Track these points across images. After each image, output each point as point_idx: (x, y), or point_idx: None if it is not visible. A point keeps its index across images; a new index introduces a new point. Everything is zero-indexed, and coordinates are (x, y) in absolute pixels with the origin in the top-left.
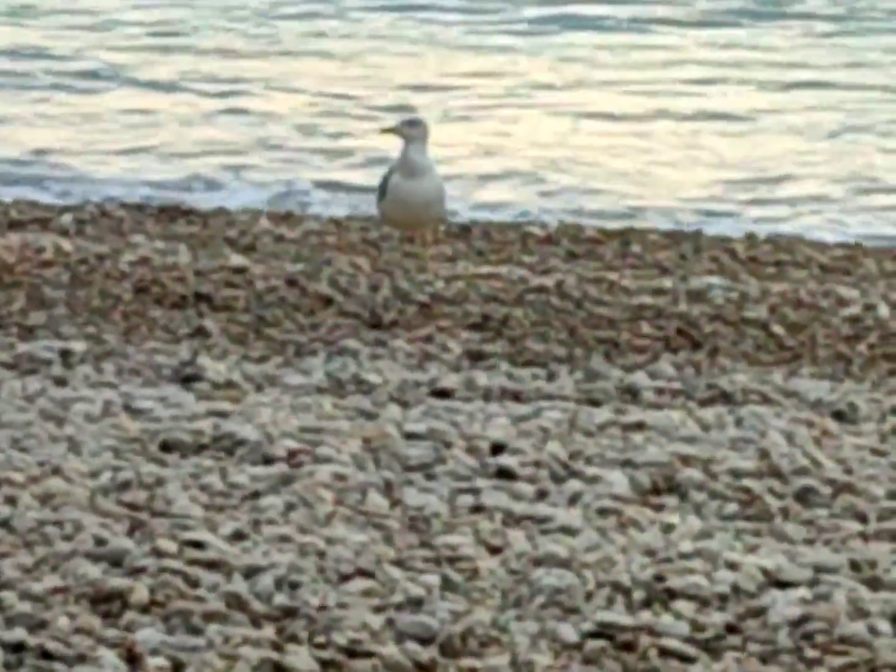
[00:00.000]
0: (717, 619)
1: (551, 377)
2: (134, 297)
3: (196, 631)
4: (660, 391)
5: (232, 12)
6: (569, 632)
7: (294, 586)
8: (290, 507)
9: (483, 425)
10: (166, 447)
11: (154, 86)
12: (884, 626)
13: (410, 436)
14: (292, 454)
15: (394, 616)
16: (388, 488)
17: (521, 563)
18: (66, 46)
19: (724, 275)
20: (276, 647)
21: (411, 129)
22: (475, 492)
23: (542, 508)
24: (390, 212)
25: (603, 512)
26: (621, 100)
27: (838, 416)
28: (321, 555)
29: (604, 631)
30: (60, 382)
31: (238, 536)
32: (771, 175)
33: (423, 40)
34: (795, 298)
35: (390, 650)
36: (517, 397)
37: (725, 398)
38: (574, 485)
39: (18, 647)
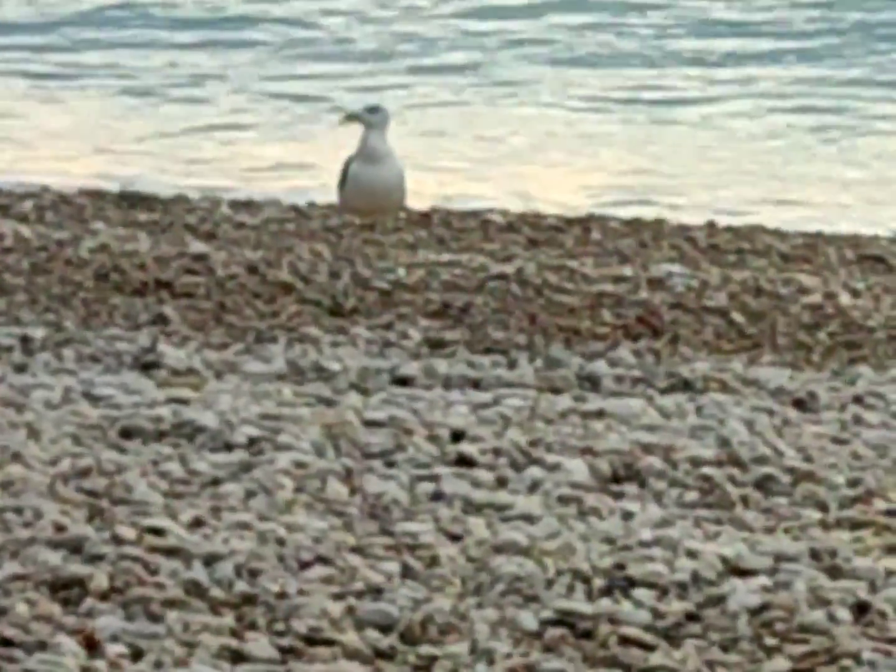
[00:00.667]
0: (676, 607)
1: (511, 365)
2: (94, 283)
3: (155, 618)
4: (620, 379)
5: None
6: (528, 619)
7: (254, 573)
8: (249, 494)
9: (443, 413)
10: (126, 434)
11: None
12: (843, 614)
13: (370, 423)
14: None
15: (353, 603)
16: (347, 475)
17: (481, 550)
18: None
19: (685, 263)
20: (236, 634)
21: (372, 116)
22: (435, 479)
23: (502, 496)
24: (351, 199)
25: (563, 500)
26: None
27: (798, 404)
28: (281, 542)
29: (563, 619)
30: (20, 369)
31: (198, 523)
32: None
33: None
34: (756, 287)
35: (350, 638)
36: (477, 385)
37: (686, 386)
38: (534, 472)
39: None
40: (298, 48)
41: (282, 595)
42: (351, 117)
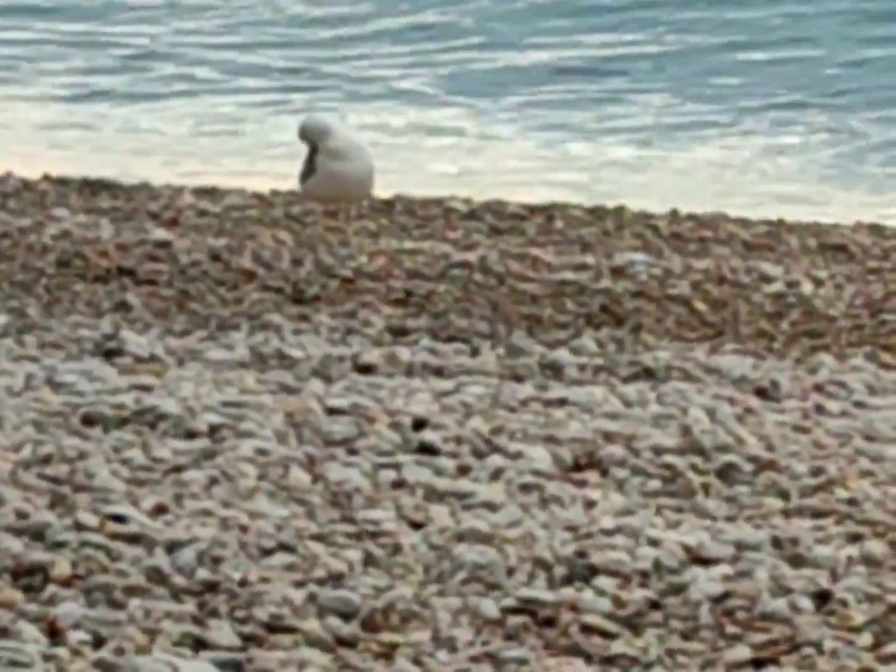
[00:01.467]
0: (638, 595)
1: (474, 353)
2: (56, 270)
3: (117, 605)
4: (582, 367)
5: None
6: (490, 607)
7: (216, 561)
8: (212, 481)
9: (405, 400)
10: (88, 421)
11: None
12: (805, 603)
13: (333, 411)
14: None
15: (315, 591)
16: (310, 463)
17: (443, 538)
18: None
19: (648, 251)
20: (198, 621)
21: (324, 129)
22: (397, 467)
23: (464, 484)
24: (320, 191)
25: (525, 488)
26: None
27: (761, 392)
28: (243, 529)
29: (525, 607)
30: None
31: (160, 511)
32: None
33: None
34: (718, 275)
35: (312, 625)
36: (440, 373)
37: (648, 375)
38: (496, 460)
39: None
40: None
41: (244, 582)
42: (306, 135)
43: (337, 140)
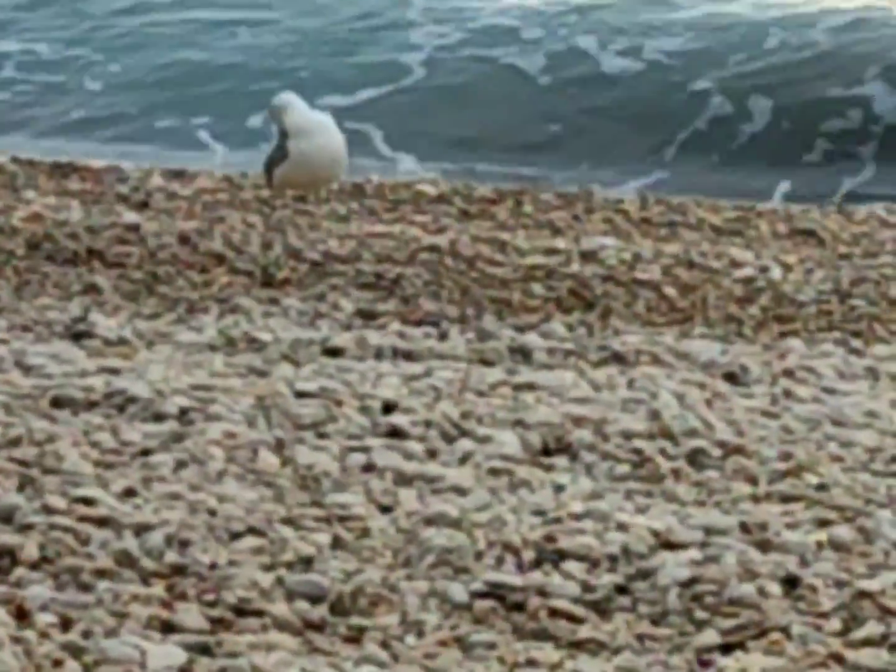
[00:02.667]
0: (606, 580)
1: (443, 337)
2: (26, 252)
3: (86, 588)
4: (551, 352)
5: None
6: (458, 591)
7: (184, 544)
8: (180, 464)
9: (374, 384)
10: (57, 403)
11: None
12: (773, 587)
13: (302, 394)
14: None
15: (284, 574)
16: (279, 446)
17: (412, 522)
18: None
19: (617, 236)
20: (166, 604)
21: (285, 107)
22: (366, 450)
23: (432, 468)
24: (294, 175)
25: (494, 472)
26: None
27: (730, 377)
28: (212, 513)
29: (493, 591)
30: None
31: (128, 494)
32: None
33: None
34: (687, 260)
35: (280, 609)
36: (409, 356)
37: (617, 359)
38: (465, 444)
39: None
40: None
41: (212, 566)
42: (274, 113)
43: (301, 119)
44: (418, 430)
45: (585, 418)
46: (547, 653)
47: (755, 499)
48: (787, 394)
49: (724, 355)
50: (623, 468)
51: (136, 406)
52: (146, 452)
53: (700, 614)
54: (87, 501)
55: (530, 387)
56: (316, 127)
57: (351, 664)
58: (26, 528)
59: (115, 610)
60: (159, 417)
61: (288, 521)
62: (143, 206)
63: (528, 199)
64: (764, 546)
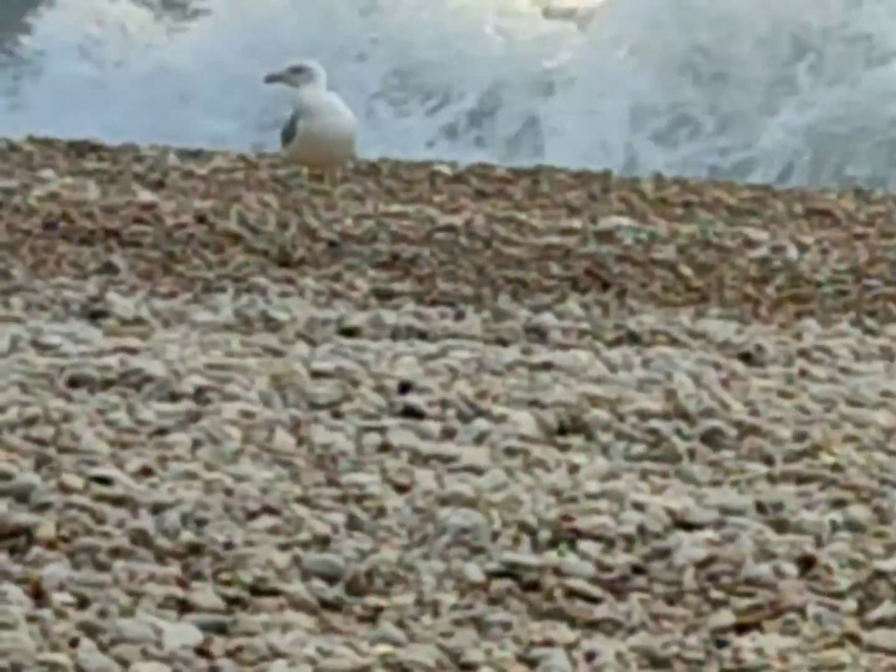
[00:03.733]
0: (622, 559)
1: (459, 316)
2: (42, 232)
3: (102, 567)
4: (567, 331)
5: None
6: (474, 571)
7: (200, 523)
8: (197, 443)
9: (390, 364)
10: (74, 383)
11: None
12: (789, 568)
13: (318, 374)
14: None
15: (300, 554)
16: (295, 426)
17: (428, 501)
18: None
19: (633, 215)
20: (182, 583)
21: (296, 76)
22: (382, 430)
23: (448, 447)
24: (302, 153)
25: (510, 451)
26: None
27: (745, 357)
28: (228, 492)
29: (509, 570)
30: None
31: (145, 473)
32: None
33: None
34: (703, 240)
35: (296, 588)
36: (425, 336)
37: (633, 339)
38: (481, 424)
39: None
40: None
41: (228, 545)
42: (272, 78)
43: (311, 98)
44: (434, 410)
45: (601, 398)
46: (562, 632)
47: (771, 479)
48: (803, 374)
49: (739, 335)
50: (639, 448)
51: (152, 385)
52: (162, 432)
53: (716, 594)
54: (104, 480)
55: (546, 366)
56: (325, 107)
57: (367, 643)
58: (43, 507)
59: (132, 589)
60: (175, 397)
61: (304, 501)
62: (159, 185)
63: (545, 179)
64: (779, 526)
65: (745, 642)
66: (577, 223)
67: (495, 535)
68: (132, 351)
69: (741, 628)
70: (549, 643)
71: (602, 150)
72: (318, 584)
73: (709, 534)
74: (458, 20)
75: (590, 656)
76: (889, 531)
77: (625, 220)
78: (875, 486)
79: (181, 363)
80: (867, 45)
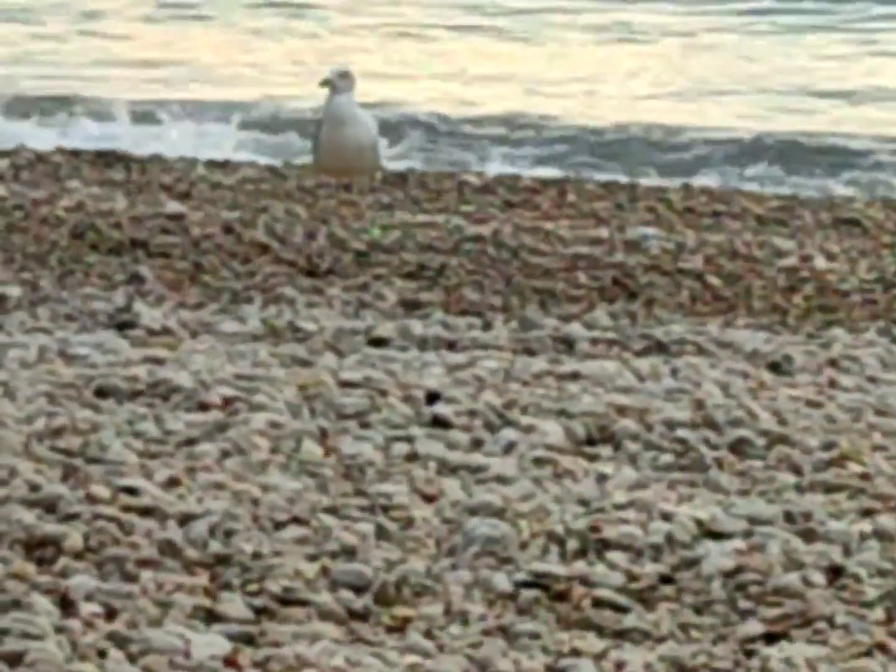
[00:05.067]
0: (650, 569)
1: (487, 326)
2: (70, 242)
3: (129, 577)
4: (595, 341)
5: None
6: (503, 581)
7: (228, 533)
8: (224, 454)
9: (418, 374)
10: (101, 393)
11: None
12: (817, 577)
13: (346, 384)
14: (227, 402)
15: (328, 564)
16: (323, 436)
17: (456, 511)
18: None
19: (660, 225)
20: (210, 594)
21: (341, 81)
22: (410, 440)
23: (476, 457)
24: (324, 161)
25: (538, 461)
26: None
27: (774, 367)
28: (255, 502)
29: (537, 580)
30: None
31: (172, 483)
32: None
33: None
34: (731, 249)
35: (324, 598)
36: (452, 346)
37: (661, 349)
38: (509, 434)
39: None
40: None
41: (256, 555)
42: (326, 83)
43: (335, 107)
44: (462, 420)
45: (629, 408)
46: (591, 642)
47: (799, 488)
48: (831, 383)
49: (767, 345)
50: (667, 458)
51: (179, 396)
52: (190, 442)
53: (744, 604)
54: (131, 491)
55: (574, 376)
56: (347, 117)
57: (395, 654)
58: (70, 517)
59: (159, 599)
60: (203, 407)
61: (332, 511)
62: (186, 195)
63: (572, 189)
64: (808, 535)
65: (774, 652)
66: (604, 233)
67: (523, 545)
68: (160, 361)
69: (770, 638)
70: (577, 653)
71: None
72: (346, 594)
73: (737, 543)
74: None
75: (618, 666)
76: None
77: (651, 230)
78: None
79: (209, 374)
80: None
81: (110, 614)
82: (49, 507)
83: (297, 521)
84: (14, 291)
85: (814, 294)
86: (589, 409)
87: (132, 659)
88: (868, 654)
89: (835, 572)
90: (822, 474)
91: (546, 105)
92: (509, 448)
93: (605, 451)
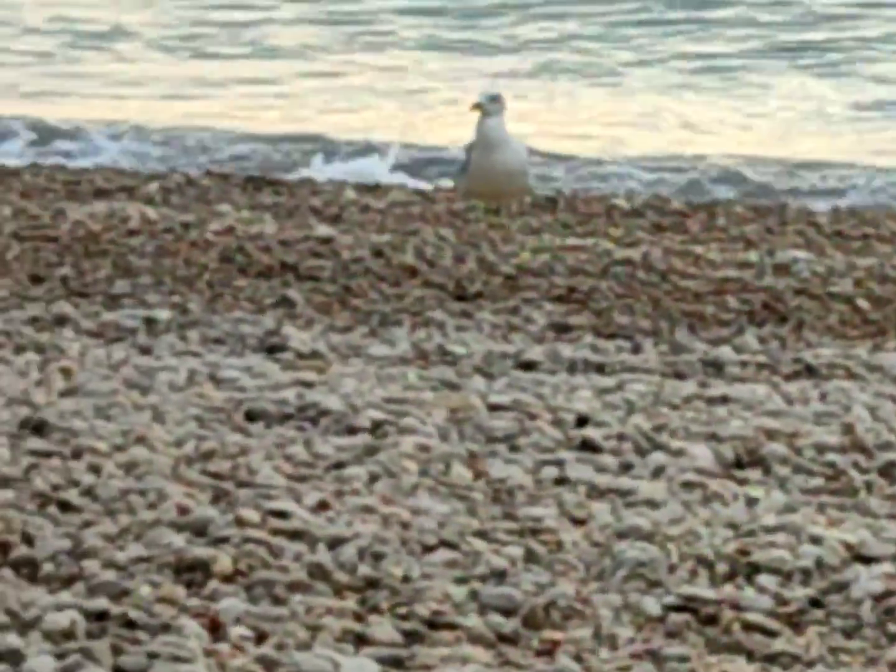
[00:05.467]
0: (800, 593)
1: (636, 350)
2: (219, 266)
3: (279, 601)
4: (744, 365)
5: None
6: (652, 605)
7: (377, 557)
8: (374, 477)
9: (567, 397)
10: (250, 417)
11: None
12: None
13: (495, 407)
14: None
15: (477, 587)
16: (472, 459)
17: (605, 535)
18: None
19: (810, 248)
20: (359, 617)
21: (491, 105)
22: (559, 464)
23: (625, 481)
24: (474, 185)
25: (687, 485)
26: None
27: None
28: (405, 525)
29: (687, 604)
30: (145, 351)
31: (322, 506)
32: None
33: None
34: (881, 273)
35: (473, 622)
36: (602, 370)
37: (810, 372)
38: (658, 458)
39: (101, 616)
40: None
41: (405, 579)
42: (478, 107)
43: (485, 131)
44: (611, 444)
45: (778, 431)
46: (740, 666)
47: None
48: None
49: None
50: (816, 481)
51: (329, 419)
52: (339, 465)
53: (894, 627)
54: (281, 514)
55: (723, 400)
56: (498, 141)
57: None
58: (220, 541)
59: (309, 623)
60: (352, 430)
61: (481, 534)
62: (336, 219)
63: (721, 212)
64: None
65: None
66: (753, 256)
67: (672, 569)
68: (309, 385)
69: None
70: None
71: None
72: (495, 617)
73: (887, 567)
74: None
75: None
76: None
77: (801, 253)
78: None
79: (358, 397)
80: None
81: (260, 638)
82: (199, 530)
83: (446, 544)
84: (164, 315)
85: None
86: (738, 433)
87: None
88: None
89: None
90: None
91: (697, 141)
92: (658, 472)
93: (755, 474)
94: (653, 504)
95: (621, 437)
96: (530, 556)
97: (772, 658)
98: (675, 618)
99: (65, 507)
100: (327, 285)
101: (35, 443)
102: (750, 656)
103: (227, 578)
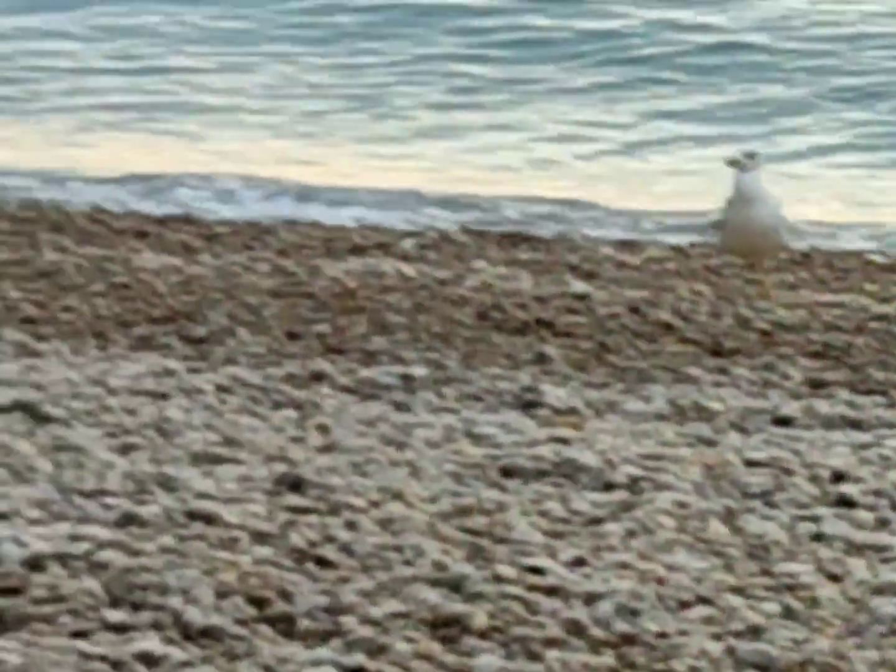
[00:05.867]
0: None
1: (893, 405)
2: (475, 322)
3: (535, 657)
4: None
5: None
6: None
7: (634, 613)
8: (630, 533)
9: (823, 453)
10: (507, 473)
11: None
12: None
13: (751, 463)
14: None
15: (733, 644)
16: (728, 515)
17: (861, 591)
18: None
19: None
20: None
21: (748, 161)
22: (816, 520)
23: (882, 537)
24: (731, 241)
25: None
26: None
27: None
28: (661, 581)
29: None
30: (402, 407)
31: (578, 563)
32: None
33: None
34: None
35: None
36: (858, 425)
37: None
38: None
39: None
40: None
41: (661, 635)
42: (734, 163)
43: (741, 188)
44: (868, 500)
45: None
46: None
47: None
48: None
49: None
50: None
51: (585, 475)
52: (596, 521)
53: None
54: (537, 570)
55: None
56: (754, 196)
57: None
58: (476, 596)
59: None
60: (609, 486)
61: (737, 590)
62: (591, 275)
63: None
64: None
65: None
66: None
67: None
68: (565, 441)
69: None
70: None
71: None
72: None
73: None
74: None
75: None
76: None
77: None
78: None
79: (614, 453)
80: None
81: None
82: (455, 586)
83: (702, 600)
84: (420, 371)
85: None
86: None
87: None
88: None
89: None
90: None
91: None
92: None
93: None
94: None
95: (878, 493)
96: (787, 612)
97: None
98: None
99: (322, 563)
100: (583, 341)
101: (292, 499)
102: None
103: (484, 634)
